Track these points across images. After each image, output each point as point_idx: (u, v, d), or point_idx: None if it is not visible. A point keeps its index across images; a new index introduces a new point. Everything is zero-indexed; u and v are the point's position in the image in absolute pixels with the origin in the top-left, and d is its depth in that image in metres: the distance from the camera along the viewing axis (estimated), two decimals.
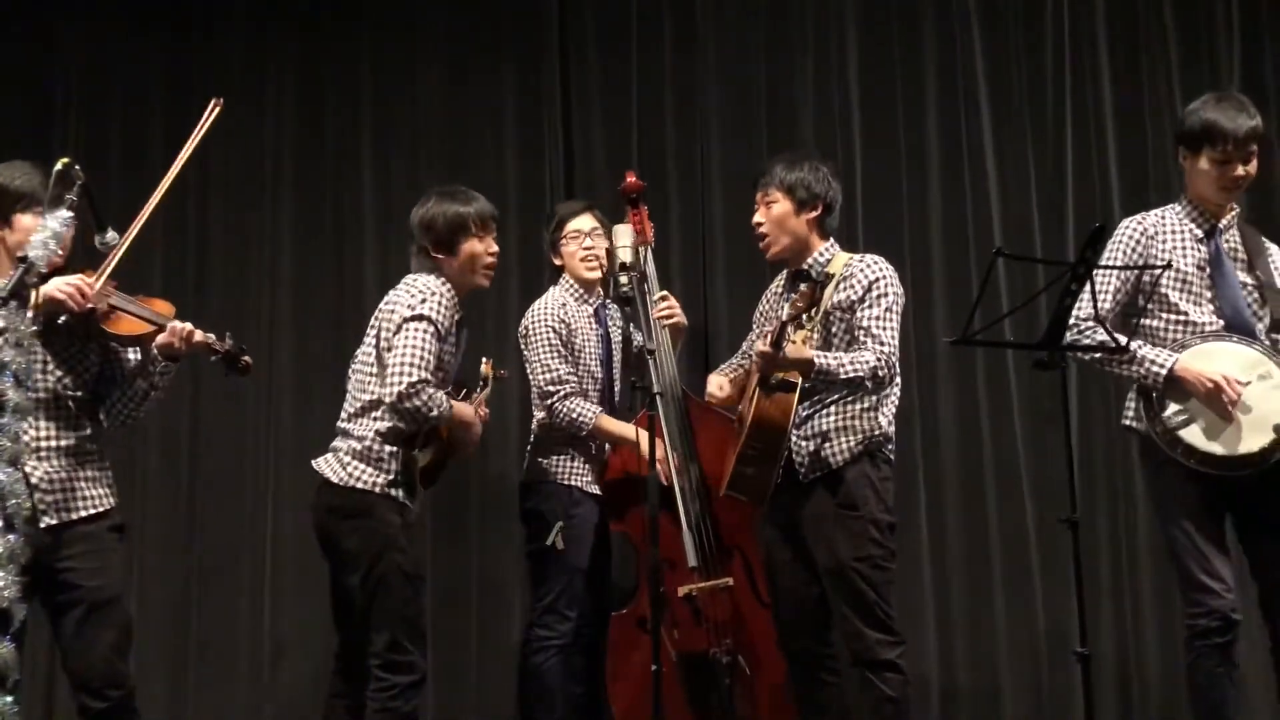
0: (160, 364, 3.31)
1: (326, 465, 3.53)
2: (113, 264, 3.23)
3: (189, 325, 3.28)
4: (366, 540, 3.44)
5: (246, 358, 3.39)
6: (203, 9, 5.20)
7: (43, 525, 3.16)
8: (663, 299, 4.05)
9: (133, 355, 3.39)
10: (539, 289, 4.32)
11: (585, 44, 5.09)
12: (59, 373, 3.24)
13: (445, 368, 3.54)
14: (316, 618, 4.47)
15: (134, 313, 3.26)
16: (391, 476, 3.46)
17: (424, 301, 3.48)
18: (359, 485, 3.45)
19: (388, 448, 3.47)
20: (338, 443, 3.56)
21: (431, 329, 3.44)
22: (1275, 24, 4.85)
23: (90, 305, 3.16)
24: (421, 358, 3.41)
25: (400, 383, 3.37)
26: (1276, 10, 4.86)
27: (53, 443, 3.22)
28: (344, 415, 3.58)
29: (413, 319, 3.45)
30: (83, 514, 3.23)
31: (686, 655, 3.86)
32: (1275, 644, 3.44)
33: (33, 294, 3.06)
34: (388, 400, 3.40)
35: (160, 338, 3.27)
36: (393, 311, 3.52)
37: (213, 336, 3.34)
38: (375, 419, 3.48)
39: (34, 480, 3.17)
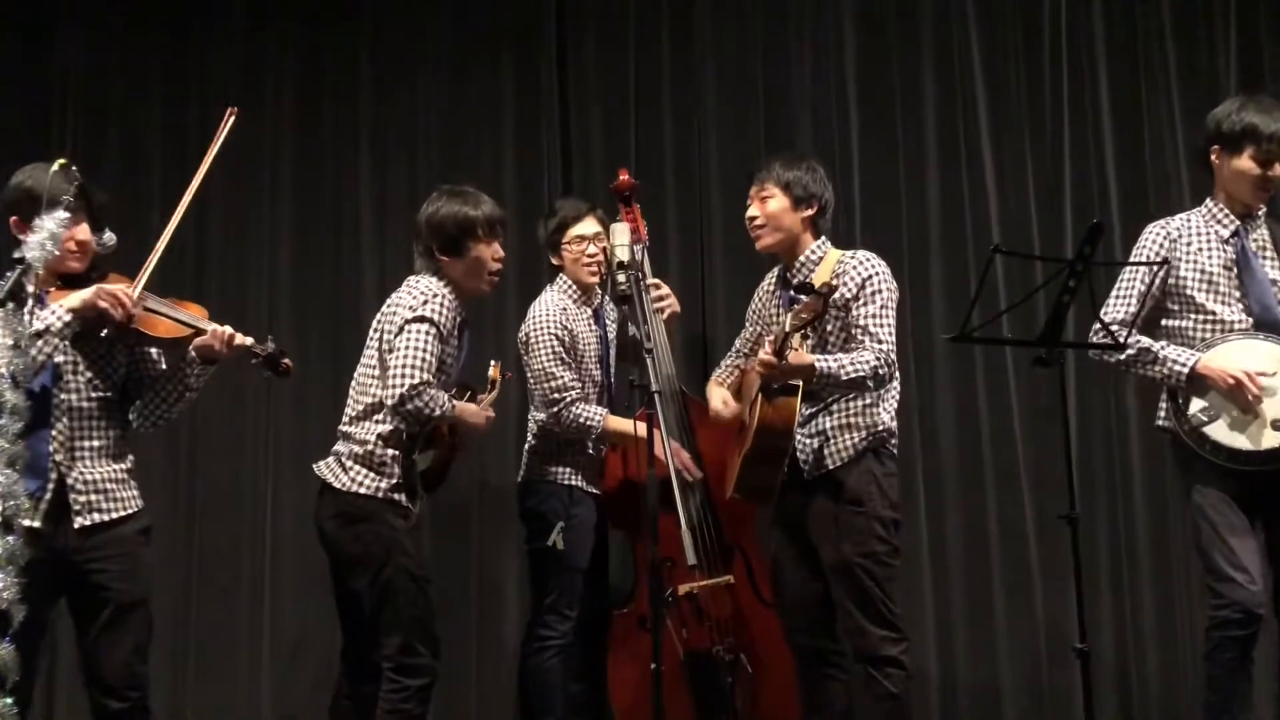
0: (198, 366, 3.32)
1: (328, 470, 3.52)
2: (149, 271, 3.25)
3: (229, 329, 3.29)
4: (371, 545, 3.43)
5: (287, 360, 3.41)
6: (202, 8, 5.19)
7: (76, 526, 3.18)
8: (656, 286, 4.07)
9: (158, 355, 3.39)
10: (537, 288, 4.32)
11: (583, 43, 5.09)
12: (89, 374, 3.25)
13: (447, 370, 3.54)
14: (316, 617, 4.48)
15: (171, 316, 3.27)
16: (394, 480, 3.45)
17: (426, 303, 3.46)
18: (361, 490, 3.45)
19: (390, 451, 3.46)
20: (339, 446, 3.55)
21: (434, 330, 3.43)
22: (1272, 21, 4.85)
23: (131, 314, 3.18)
24: (423, 359, 3.40)
25: (403, 384, 3.37)
26: (1274, 7, 4.86)
27: (84, 443, 3.23)
28: (345, 419, 3.57)
29: (414, 320, 3.44)
30: (115, 515, 3.24)
31: (689, 653, 3.87)
32: None
33: (49, 295, 3.07)
34: (389, 402, 3.39)
35: (199, 340, 3.28)
36: (395, 313, 3.51)
37: (252, 340, 3.35)
38: (377, 422, 3.48)
39: (69, 481, 3.18)
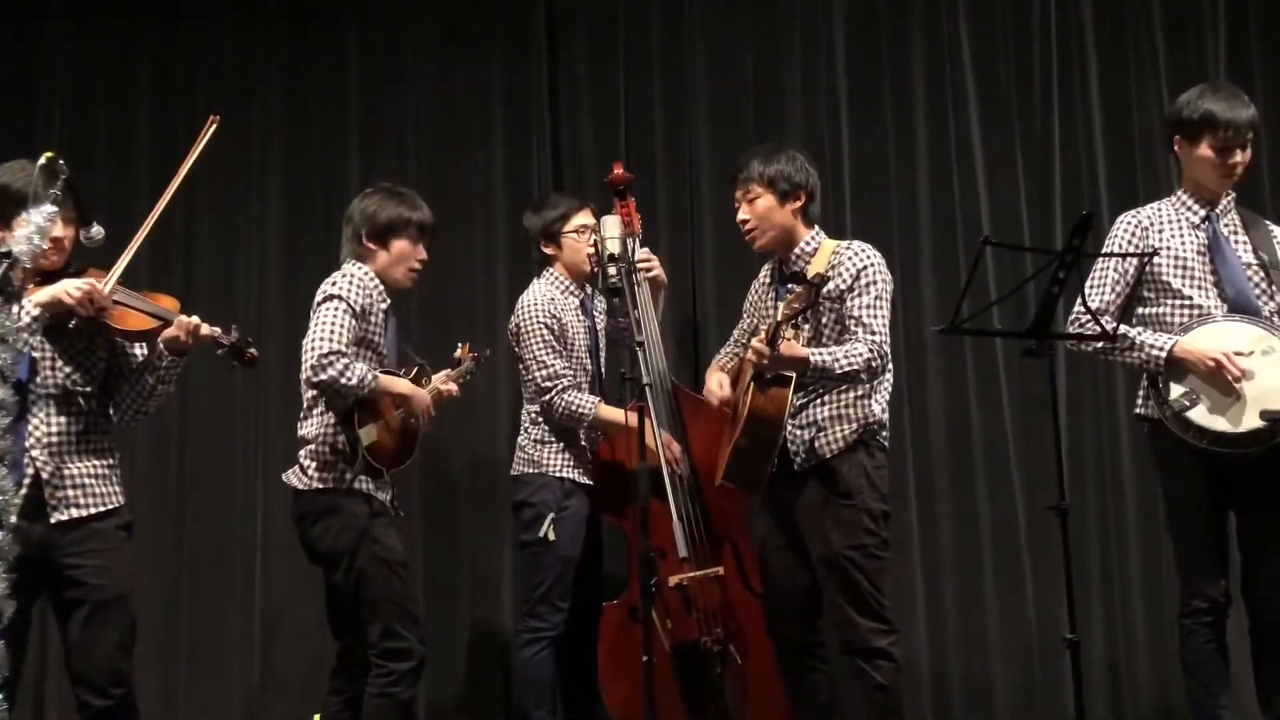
0: (167, 358, 3.30)
1: (294, 477, 3.60)
2: (122, 267, 3.23)
3: (196, 319, 3.27)
4: (338, 538, 3.48)
5: (253, 350, 3.40)
6: (190, 3, 5.17)
7: (52, 521, 3.16)
8: (646, 259, 4.10)
9: (139, 351, 3.37)
10: (526, 281, 4.32)
11: (573, 36, 5.08)
12: (68, 369, 3.23)
13: (375, 348, 3.58)
14: (307, 612, 4.48)
15: (140, 309, 3.25)
16: (346, 467, 3.49)
17: (335, 283, 3.56)
18: (320, 485, 3.51)
19: (338, 438, 3.51)
20: (299, 452, 3.61)
21: (342, 305, 3.50)
22: (1261, 12, 4.87)
23: (101, 306, 3.16)
24: (331, 331, 3.45)
25: (312, 356, 3.43)
26: None
27: (62, 439, 3.21)
28: (298, 424, 3.63)
29: (323, 300, 3.53)
30: (92, 511, 3.22)
31: (678, 644, 3.87)
32: (1254, 625, 3.51)
33: (27, 291, 3.05)
34: (304, 375, 3.45)
35: (166, 332, 3.25)
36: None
37: (219, 330, 3.34)
38: (319, 414, 3.55)
39: (44, 476, 3.16)
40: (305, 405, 3.59)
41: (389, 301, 3.64)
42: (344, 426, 3.50)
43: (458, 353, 3.98)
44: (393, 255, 3.67)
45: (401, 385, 3.63)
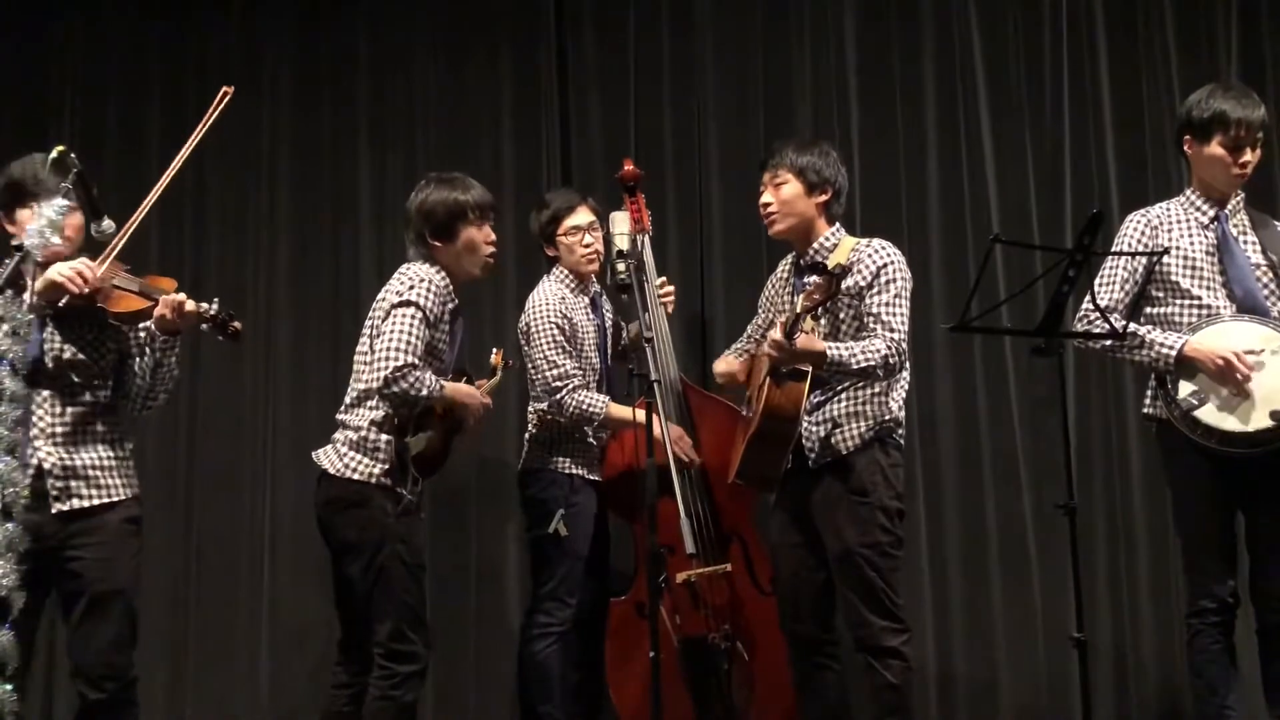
0: (160, 339, 3.30)
1: (325, 457, 3.54)
2: (116, 249, 3.22)
3: (181, 296, 3.26)
4: (364, 530, 3.45)
5: (236, 323, 3.37)
6: None
7: (54, 512, 3.16)
8: (663, 282, 4.12)
9: (141, 336, 3.38)
10: (536, 276, 4.32)
11: (582, 30, 5.08)
12: (75, 360, 3.24)
13: (440, 355, 3.55)
14: (315, 606, 4.48)
15: (132, 290, 3.26)
16: (387, 466, 3.46)
17: (412, 288, 3.48)
18: (355, 476, 3.47)
19: (383, 436, 3.47)
20: (336, 434, 3.57)
21: (419, 314, 3.45)
22: (1273, 6, 4.84)
23: (91, 288, 3.15)
24: (408, 342, 3.41)
25: (386, 367, 3.39)
26: None
27: (67, 430, 3.22)
28: (342, 406, 3.60)
29: (400, 305, 3.46)
30: (95, 502, 3.23)
31: (686, 640, 3.88)
32: (1261, 626, 3.50)
33: (30, 280, 3.06)
34: (375, 385, 3.42)
35: (155, 312, 3.25)
36: (384, 299, 3.54)
37: (204, 305, 3.32)
38: (371, 408, 3.50)
39: (46, 466, 3.17)
40: (355, 395, 3.54)
41: (456, 302, 3.59)
42: (396, 433, 3.47)
43: (493, 359, 3.95)
44: (461, 246, 3.60)
45: (462, 392, 3.60)
